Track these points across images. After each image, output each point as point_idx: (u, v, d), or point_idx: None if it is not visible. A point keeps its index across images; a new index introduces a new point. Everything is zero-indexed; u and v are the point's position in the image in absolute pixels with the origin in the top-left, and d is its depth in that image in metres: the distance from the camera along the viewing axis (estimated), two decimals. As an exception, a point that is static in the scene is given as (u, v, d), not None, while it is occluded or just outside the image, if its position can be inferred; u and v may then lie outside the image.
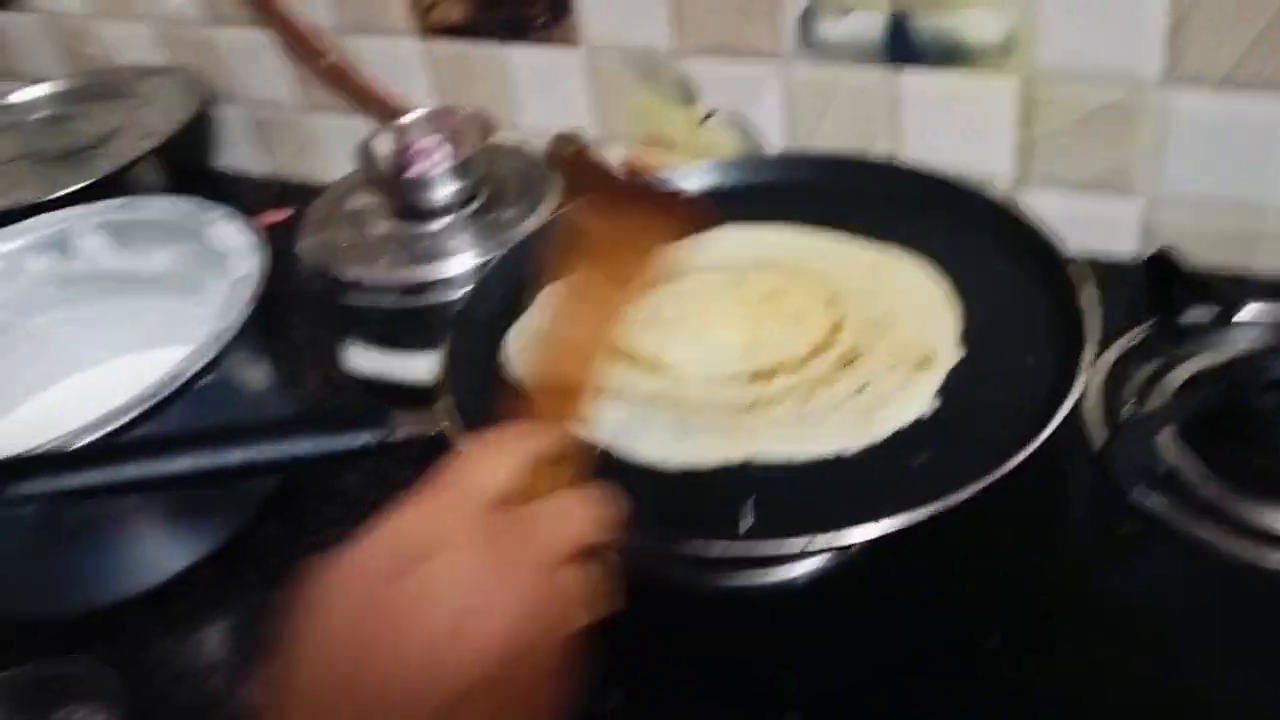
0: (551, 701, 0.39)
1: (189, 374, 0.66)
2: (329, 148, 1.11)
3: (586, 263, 0.54)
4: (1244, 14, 0.67)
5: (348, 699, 0.36)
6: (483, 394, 0.64)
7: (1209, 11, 0.68)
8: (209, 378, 0.68)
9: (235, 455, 0.53)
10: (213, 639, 0.70)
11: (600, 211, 0.61)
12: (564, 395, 0.49)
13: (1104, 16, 0.71)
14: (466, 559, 0.38)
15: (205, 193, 0.86)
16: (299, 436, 0.54)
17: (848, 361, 0.61)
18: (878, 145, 0.85)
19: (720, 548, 0.50)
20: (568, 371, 0.50)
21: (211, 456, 0.53)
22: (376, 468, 0.75)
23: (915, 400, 0.58)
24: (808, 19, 0.81)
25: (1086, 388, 0.64)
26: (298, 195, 1.03)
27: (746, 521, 0.53)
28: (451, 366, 0.63)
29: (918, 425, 0.57)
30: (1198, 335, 0.67)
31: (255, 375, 0.79)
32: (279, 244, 0.87)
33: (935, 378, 0.59)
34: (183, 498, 0.70)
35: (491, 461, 0.42)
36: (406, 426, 0.56)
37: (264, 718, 0.38)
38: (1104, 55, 0.73)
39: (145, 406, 0.64)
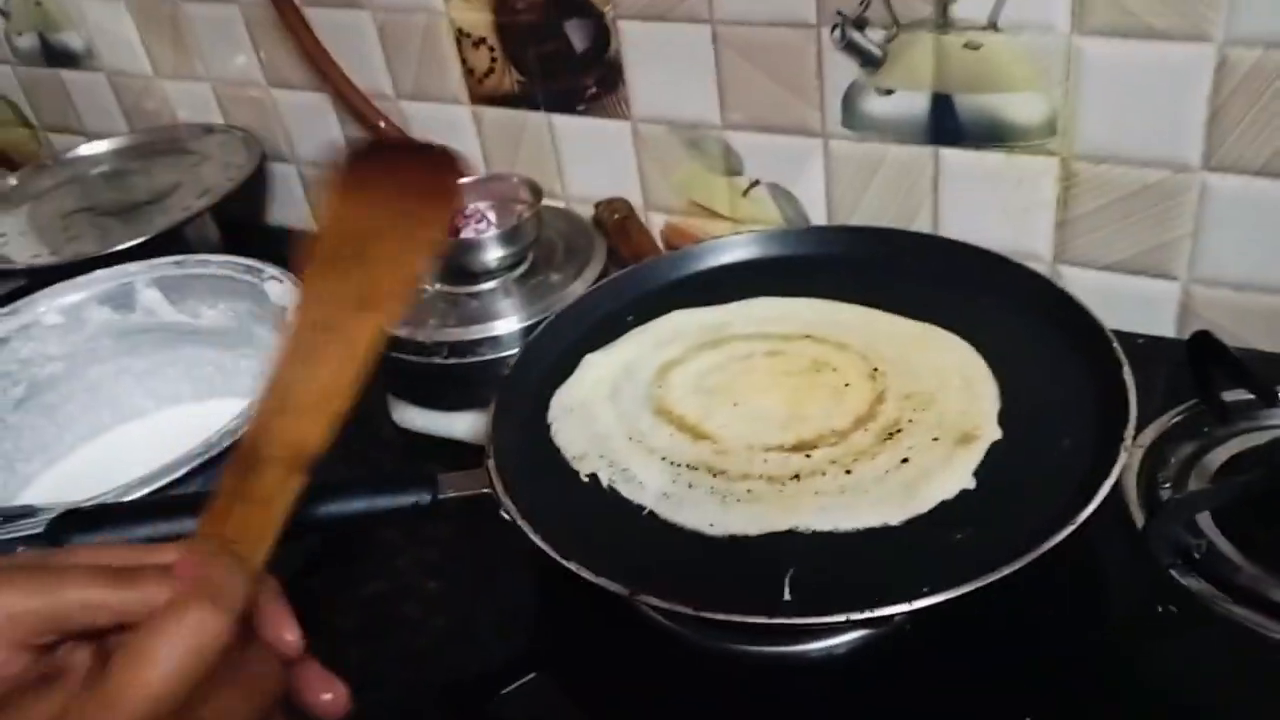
0: None
1: (243, 428, 0.68)
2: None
3: (328, 272, 0.44)
4: (1278, 108, 0.69)
5: None
6: (525, 457, 0.65)
7: (1246, 103, 0.69)
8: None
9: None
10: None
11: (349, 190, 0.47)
12: (273, 481, 0.42)
13: (1144, 102, 0.73)
14: None
15: (259, 248, 0.89)
16: (351, 496, 0.55)
17: (890, 434, 0.62)
18: (918, 221, 0.86)
19: (761, 619, 0.51)
20: (289, 438, 0.42)
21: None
22: (414, 526, 0.78)
23: (958, 474, 0.59)
24: (851, 96, 0.83)
25: (1126, 467, 0.65)
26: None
27: (787, 593, 0.54)
28: (496, 429, 0.65)
29: (960, 500, 0.58)
30: (1238, 416, 0.67)
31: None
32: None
33: (978, 453, 0.60)
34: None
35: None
36: (452, 487, 0.58)
37: None
38: (1144, 139, 0.74)
39: (200, 460, 0.65)
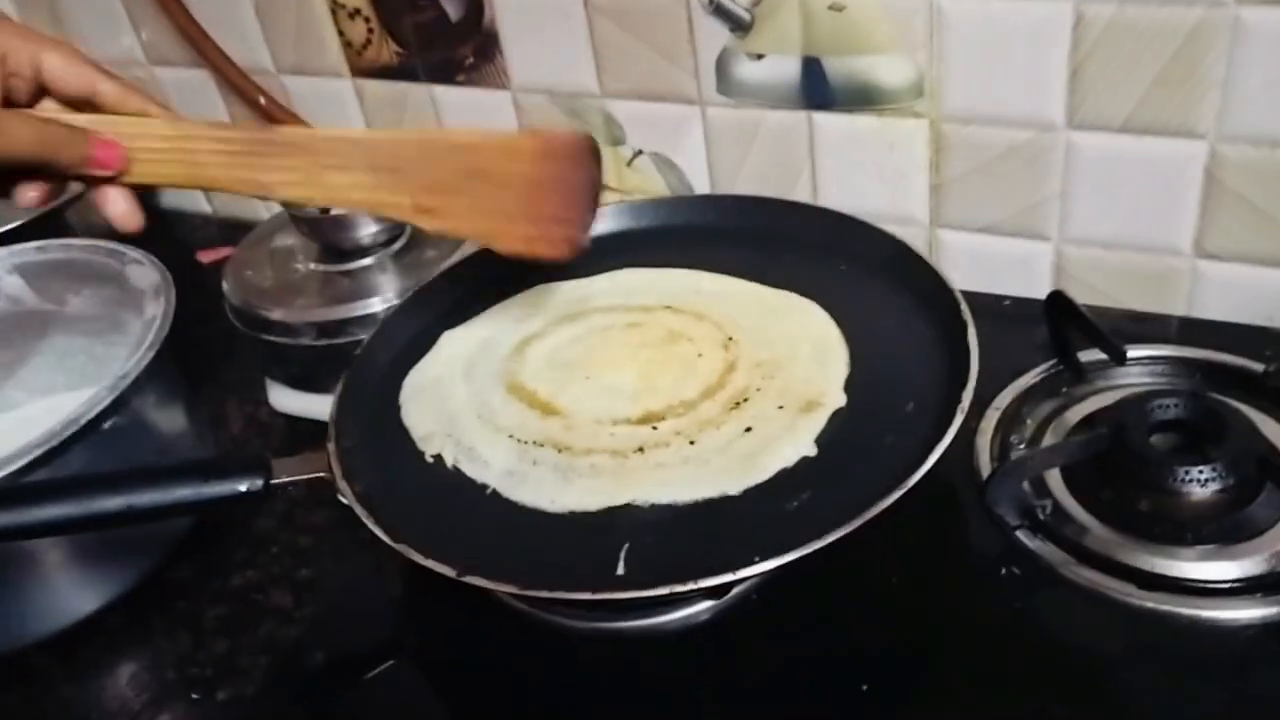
0: None
1: (85, 418, 0.66)
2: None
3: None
4: (1137, 62, 0.68)
5: None
6: (373, 438, 0.64)
7: (1104, 60, 0.69)
8: (113, 421, 0.68)
9: (112, 502, 0.53)
10: (117, 685, 0.69)
11: None
12: None
13: (1007, 61, 0.72)
14: None
15: (147, 232, 0.86)
16: (175, 483, 0.54)
17: (736, 404, 0.61)
18: (799, 187, 0.85)
19: (586, 595, 0.50)
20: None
21: (86, 503, 0.53)
22: (289, 512, 0.76)
23: (799, 442, 0.58)
24: (724, 62, 0.82)
25: (980, 428, 0.64)
26: (238, 232, 1.04)
27: (621, 567, 0.53)
28: (341, 412, 0.63)
29: (801, 467, 0.57)
30: (1094, 375, 0.67)
31: (170, 417, 0.78)
32: (214, 283, 0.88)
33: (820, 420, 0.59)
34: (88, 541, 0.70)
35: None
36: (286, 473, 0.56)
37: None
38: (1009, 99, 0.74)
39: (39, 451, 0.63)
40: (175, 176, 0.57)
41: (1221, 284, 0.75)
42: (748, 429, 0.59)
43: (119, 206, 0.56)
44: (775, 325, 0.67)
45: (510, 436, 0.61)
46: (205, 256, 1.10)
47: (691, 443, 0.59)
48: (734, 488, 0.56)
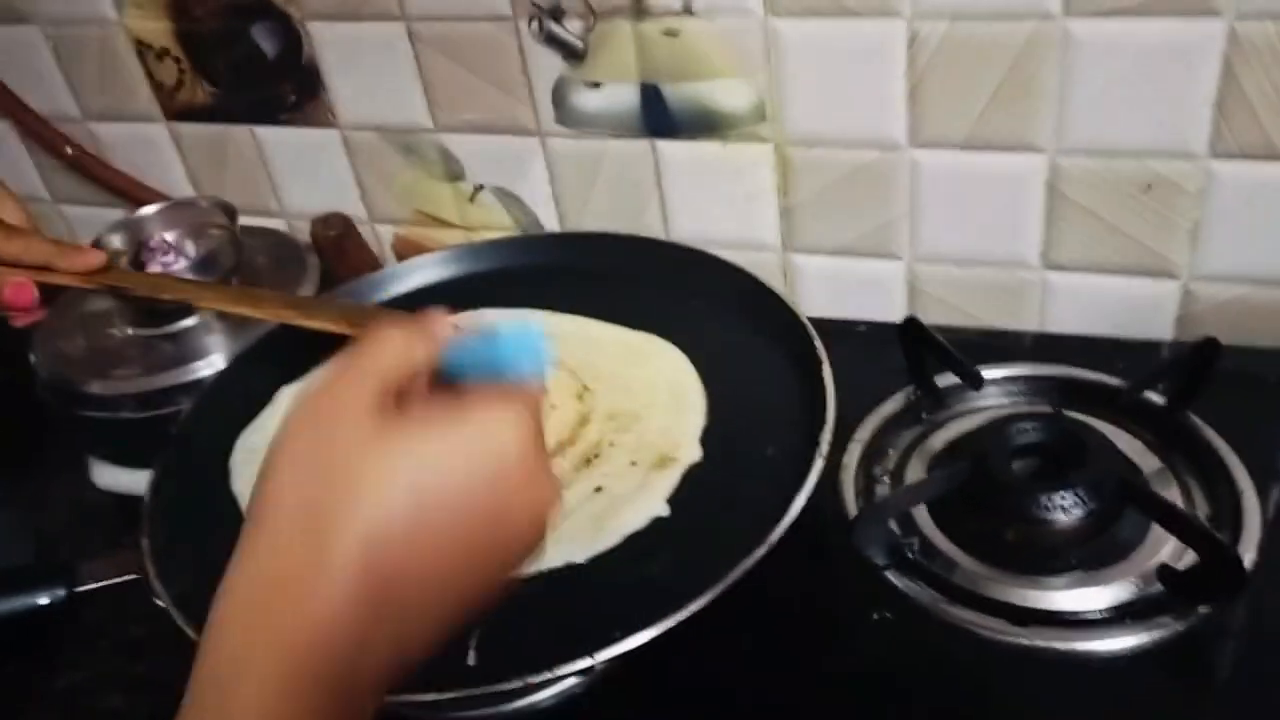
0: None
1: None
2: (85, 239, 1.03)
3: None
4: (973, 79, 0.67)
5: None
6: (198, 525, 0.58)
7: (941, 77, 0.68)
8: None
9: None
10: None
11: None
12: None
13: (846, 82, 0.71)
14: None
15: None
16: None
17: (588, 460, 0.58)
18: (648, 216, 0.82)
19: (431, 696, 0.46)
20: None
21: None
22: (115, 603, 0.69)
23: (650, 502, 0.55)
24: (561, 91, 0.78)
25: (844, 463, 0.62)
26: (54, 291, 0.96)
27: (472, 656, 0.49)
28: (156, 502, 0.57)
29: (653, 529, 0.54)
30: (952, 400, 0.66)
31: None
32: (24, 348, 0.80)
33: (673, 477, 0.56)
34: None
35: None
36: (95, 577, 0.51)
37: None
38: (851, 120, 0.72)
39: None
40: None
41: (1071, 294, 0.75)
42: (597, 489, 0.56)
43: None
44: (634, 371, 0.63)
45: None
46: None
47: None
48: (580, 555, 0.52)
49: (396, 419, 0.35)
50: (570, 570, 0.52)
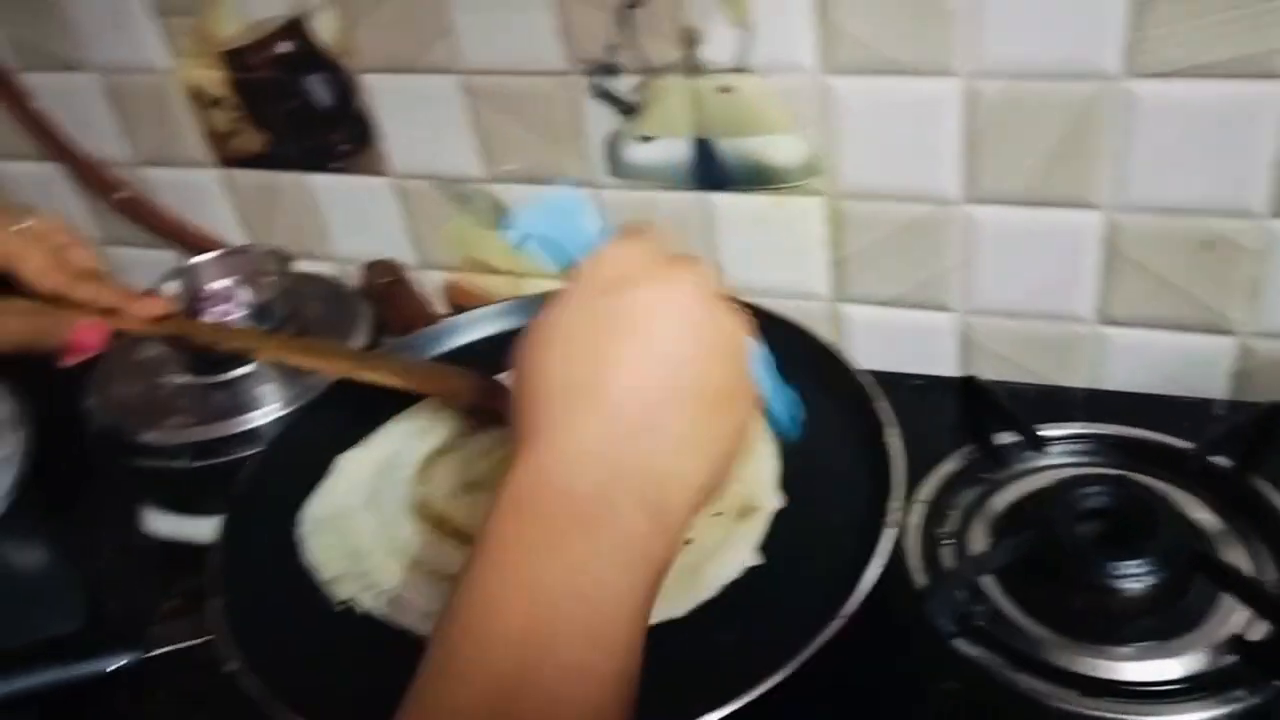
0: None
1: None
2: (133, 282, 1.04)
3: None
4: (1031, 136, 0.67)
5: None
6: (267, 586, 0.58)
7: (998, 134, 0.68)
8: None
9: (-42, 698, 0.47)
10: None
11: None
12: None
13: (900, 137, 0.71)
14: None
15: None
16: (29, 669, 0.48)
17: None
18: (697, 266, 0.82)
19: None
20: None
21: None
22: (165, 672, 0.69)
23: (740, 552, 0.55)
24: (614, 145, 0.79)
25: (907, 524, 0.62)
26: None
27: None
28: (226, 557, 0.58)
29: (747, 579, 0.54)
30: (1012, 459, 0.66)
31: (33, 557, 0.72)
32: (76, 390, 0.80)
33: (758, 527, 0.56)
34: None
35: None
36: (164, 640, 0.51)
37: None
38: (905, 174, 0.73)
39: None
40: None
41: (1126, 350, 0.74)
42: (687, 541, 0.56)
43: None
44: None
45: (430, 572, 0.56)
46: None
47: None
48: (680, 609, 0.52)
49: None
50: (671, 625, 0.52)
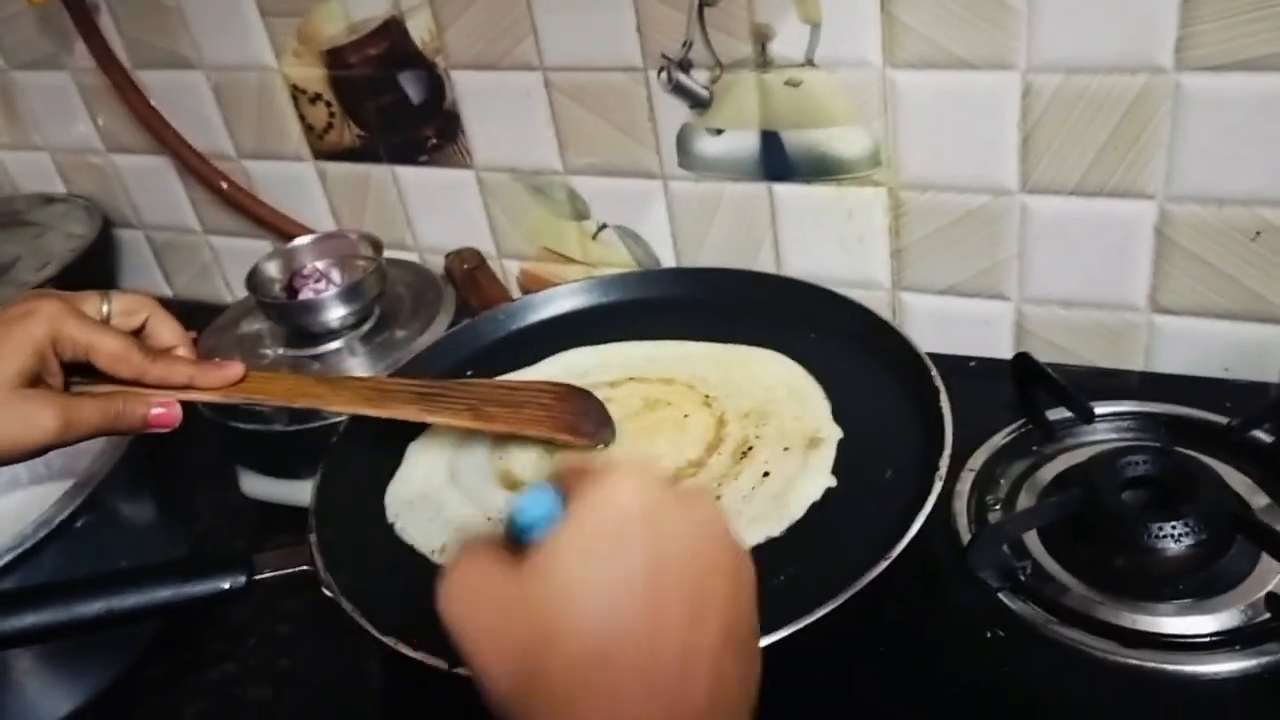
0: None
1: (58, 520, 0.65)
2: (230, 270, 1.12)
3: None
4: (1085, 128, 0.70)
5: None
6: (355, 528, 0.63)
7: (1054, 127, 0.71)
8: (85, 519, 0.68)
9: (93, 607, 0.53)
10: (93, 789, 0.68)
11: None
12: None
13: (960, 130, 0.75)
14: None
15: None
16: (156, 584, 0.53)
17: (743, 453, 0.63)
18: (762, 255, 0.87)
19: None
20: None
21: (67, 610, 0.53)
22: (264, 600, 0.75)
23: (819, 477, 0.60)
24: (684, 137, 0.84)
25: (956, 491, 0.65)
26: (201, 317, 1.03)
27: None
28: (321, 501, 0.63)
29: (828, 497, 0.59)
30: (1063, 434, 0.68)
31: (139, 510, 0.78)
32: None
33: (828, 453, 0.61)
34: (60, 643, 0.69)
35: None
36: (269, 567, 0.56)
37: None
38: (964, 166, 0.76)
39: (10, 556, 0.63)
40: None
41: (1178, 337, 0.77)
42: (765, 474, 0.61)
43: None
44: (742, 376, 0.69)
45: None
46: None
47: (716, 498, 0.60)
48: (777, 529, 0.57)
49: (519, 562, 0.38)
50: (770, 544, 0.57)
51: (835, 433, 0.63)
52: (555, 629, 0.36)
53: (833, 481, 0.60)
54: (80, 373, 0.58)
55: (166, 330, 0.62)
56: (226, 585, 0.55)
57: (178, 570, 0.55)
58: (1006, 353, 0.82)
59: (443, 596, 0.39)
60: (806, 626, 0.50)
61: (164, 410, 0.59)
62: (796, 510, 0.59)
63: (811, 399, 0.65)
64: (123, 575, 0.54)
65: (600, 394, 0.69)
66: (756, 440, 0.64)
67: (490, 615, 0.38)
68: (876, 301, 0.84)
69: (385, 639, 0.53)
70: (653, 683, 0.36)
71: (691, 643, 0.37)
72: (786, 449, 0.62)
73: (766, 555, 0.56)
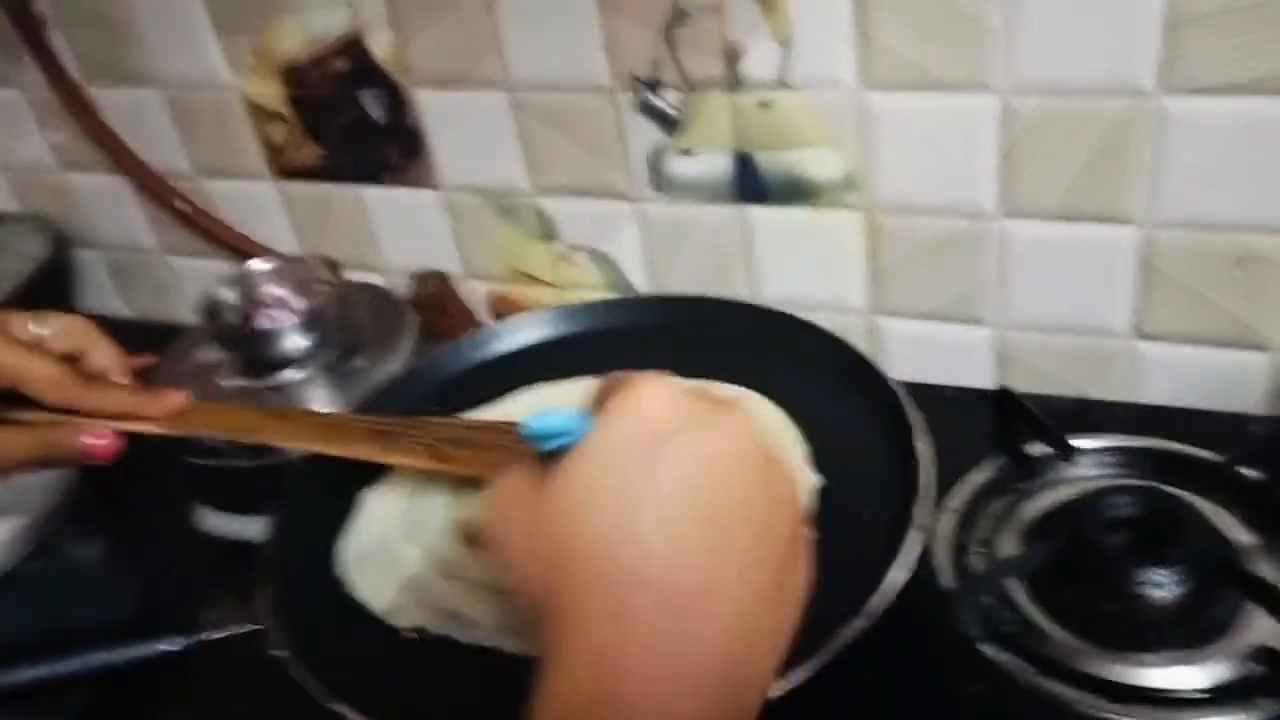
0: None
1: (9, 567, 0.62)
2: (191, 289, 1.08)
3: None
4: (1065, 151, 0.68)
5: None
6: (308, 582, 0.61)
7: (1032, 150, 0.69)
8: (30, 564, 0.65)
9: (20, 676, 0.50)
10: None
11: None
12: None
13: (937, 152, 0.72)
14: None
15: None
16: (87, 648, 0.50)
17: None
18: (736, 279, 0.84)
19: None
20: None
21: (-4, 677, 0.49)
22: (210, 657, 0.71)
23: None
24: (655, 158, 0.81)
25: (937, 531, 0.63)
26: (161, 337, 1.00)
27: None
28: (276, 551, 0.60)
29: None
30: (1044, 470, 0.66)
31: (89, 549, 0.75)
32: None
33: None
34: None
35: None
36: (216, 627, 0.53)
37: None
38: (941, 189, 0.74)
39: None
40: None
41: (1160, 364, 0.75)
42: None
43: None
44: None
45: (493, 590, 0.57)
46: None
47: None
48: None
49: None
50: None
51: (808, 481, 0.59)
52: (574, 540, 0.36)
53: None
54: (6, 400, 0.54)
55: (104, 355, 0.59)
56: (166, 647, 0.52)
57: (115, 633, 0.52)
58: (987, 379, 0.80)
59: (484, 511, 0.41)
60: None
61: (100, 441, 0.55)
62: None
63: (788, 443, 0.62)
64: (54, 639, 0.51)
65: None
66: None
67: (521, 528, 0.39)
68: (853, 326, 0.82)
69: (336, 706, 0.50)
70: (668, 604, 0.35)
71: (713, 579, 0.36)
72: None
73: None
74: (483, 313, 0.96)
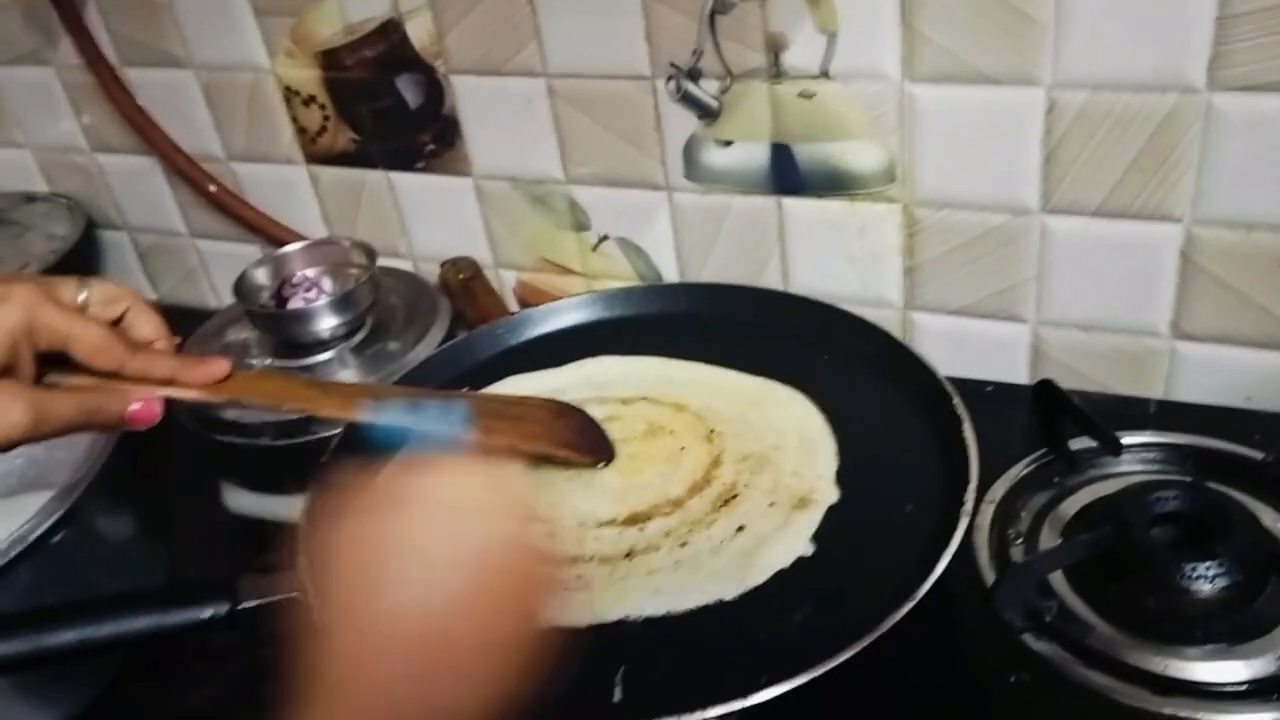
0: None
1: (34, 535, 0.62)
2: (217, 274, 1.08)
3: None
4: (1111, 148, 0.68)
5: None
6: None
7: (1078, 145, 0.69)
8: (62, 534, 0.64)
9: (65, 638, 0.49)
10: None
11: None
12: None
13: (980, 146, 0.72)
14: None
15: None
16: (132, 614, 0.50)
17: (726, 500, 0.59)
18: (769, 271, 0.84)
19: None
20: None
21: (37, 639, 0.49)
22: (247, 623, 0.72)
23: (794, 542, 0.56)
24: (691, 148, 0.81)
25: (977, 524, 0.63)
26: (186, 322, 1.00)
27: (618, 693, 0.50)
28: (310, 525, 0.59)
29: (797, 569, 0.55)
30: (1086, 465, 0.66)
31: (121, 525, 0.74)
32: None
33: (814, 518, 0.57)
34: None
35: None
36: (254, 595, 0.53)
37: None
38: (983, 184, 0.73)
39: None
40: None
41: (1200, 365, 0.74)
42: (740, 528, 0.57)
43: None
44: (758, 415, 0.65)
45: None
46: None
47: (682, 545, 0.56)
48: (730, 593, 0.53)
49: None
50: (720, 606, 0.53)
51: (829, 497, 0.59)
52: None
53: (810, 549, 0.56)
54: (54, 364, 0.54)
55: (146, 323, 0.58)
56: (208, 614, 0.51)
57: (157, 598, 0.52)
58: (1022, 377, 0.80)
59: None
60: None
61: (143, 406, 0.55)
62: (758, 576, 0.55)
63: (820, 453, 0.62)
64: (97, 604, 0.51)
65: (610, 410, 0.66)
66: (745, 489, 0.60)
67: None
68: (888, 320, 0.82)
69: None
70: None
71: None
72: (772, 505, 0.59)
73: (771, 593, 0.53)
74: (511, 301, 0.96)
